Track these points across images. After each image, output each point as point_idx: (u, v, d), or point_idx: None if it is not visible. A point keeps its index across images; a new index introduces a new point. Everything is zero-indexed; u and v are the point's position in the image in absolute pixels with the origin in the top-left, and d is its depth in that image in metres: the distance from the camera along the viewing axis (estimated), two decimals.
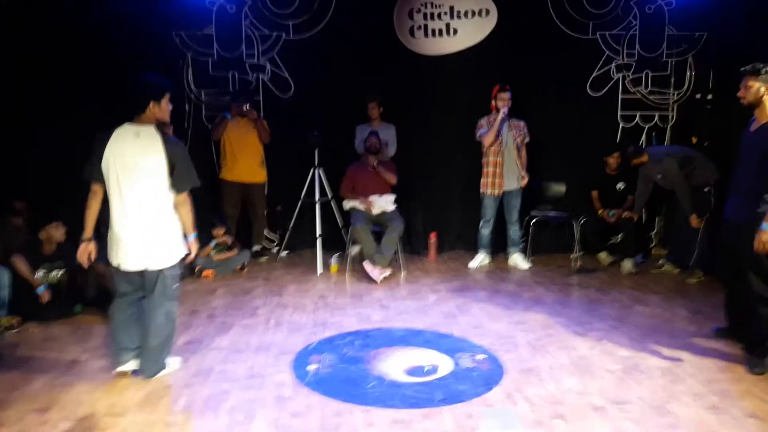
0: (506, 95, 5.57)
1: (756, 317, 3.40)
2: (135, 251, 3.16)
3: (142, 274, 3.23)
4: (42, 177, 5.40)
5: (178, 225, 3.27)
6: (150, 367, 3.29)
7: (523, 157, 5.77)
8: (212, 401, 3.03)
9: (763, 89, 3.36)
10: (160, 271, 3.21)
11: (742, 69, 3.45)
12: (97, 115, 5.59)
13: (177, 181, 3.17)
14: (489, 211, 5.81)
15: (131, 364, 3.31)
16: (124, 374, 3.30)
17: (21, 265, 4.21)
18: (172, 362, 3.42)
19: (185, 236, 3.33)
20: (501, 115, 5.55)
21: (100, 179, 3.13)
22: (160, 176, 3.13)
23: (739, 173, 3.54)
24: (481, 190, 5.78)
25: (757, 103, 3.40)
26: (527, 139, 5.76)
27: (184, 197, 3.24)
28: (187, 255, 3.36)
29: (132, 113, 3.14)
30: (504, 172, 5.69)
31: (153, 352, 3.28)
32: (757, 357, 3.40)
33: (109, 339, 3.41)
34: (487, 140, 5.67)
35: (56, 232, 4.39)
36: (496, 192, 5.72)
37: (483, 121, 5.72)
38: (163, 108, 3.18)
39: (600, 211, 5.85)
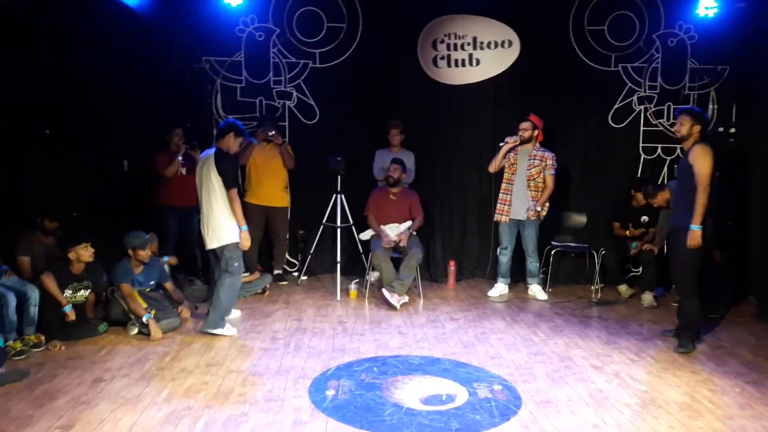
0: (523, 125, 5.63)
1: (678, 308, 4.42)
2: (206, 235, 4.47)
3: (214, 253, 4.50)
4: (75, 198, 5.55)
5: (230, 216, 4.39)
6: (209, 322, 4.47)
7: (546, 188, 5.63)
8: (231, 423, 3.08)
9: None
10: (222, 249, 4.41)
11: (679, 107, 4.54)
12: (129, 136, 5.85)
13: (224, 182, 4.37)
14: (504, 238, 5.83)
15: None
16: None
17: (50, 283, 4.32)
18: (230, 329, 4.52)
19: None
20: (504, 145, 5.66)
21: None
22: (215, 180, 4.37)
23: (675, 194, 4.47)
24: (494, 218, 5.85)
25: (687, 136, 4.22)
26: (550, 172, 5.61)
27: (232, 194, 4.38)
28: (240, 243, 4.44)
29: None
30: (512, 200, 5.70)
31: (215, 312, 4.46)
32: (684, 340, 4.26)
33: None
34: (490, 167, 5.80)
35: (85, 253, 4.50)
36: (503, 219, 5.74)
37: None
38: (228, 142, 4.47)
39: (628, 232, 5.84)
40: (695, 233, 4.07)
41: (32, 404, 3.26)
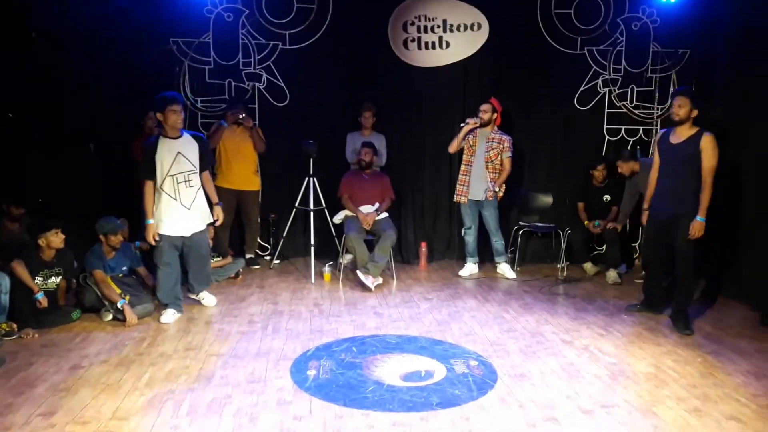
0: (483, 107, 5.74)
1: (679, 292, 4.37)
2: None
3: None
4: (41, 183, 5.44)
5: (157, 205, 4.42)
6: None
7: (503, 171, 5.74)
8: (215, 405, 3.11)
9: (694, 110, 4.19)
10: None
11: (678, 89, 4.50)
12: (96, 120, 5.73)
13: None
14: (465, 218, 5.95)
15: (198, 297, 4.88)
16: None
17: (21, 270, 4.24)
18: (168, 316, 4.48)
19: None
20: (464, 126, 5.76)
21: None
22: None
23: (664, 177, 4.37)
24: (454, 198, 5.98)
25: (686, 119, 4.21)
26: (506, 154, 5.71)
27: (142, 185, 4.39)
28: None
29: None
30: (470, 181, 5.81)
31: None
32: (684, 323, 4.31)
33: None
34: (450, 148, 5.92)
35: (55, 239, 4.42)
36: (462, 200, 5.86)
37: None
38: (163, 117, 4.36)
39: (586, 222, 6.01)
40: (702, 224, 4.14)
41: (10, 392, 3.23)
